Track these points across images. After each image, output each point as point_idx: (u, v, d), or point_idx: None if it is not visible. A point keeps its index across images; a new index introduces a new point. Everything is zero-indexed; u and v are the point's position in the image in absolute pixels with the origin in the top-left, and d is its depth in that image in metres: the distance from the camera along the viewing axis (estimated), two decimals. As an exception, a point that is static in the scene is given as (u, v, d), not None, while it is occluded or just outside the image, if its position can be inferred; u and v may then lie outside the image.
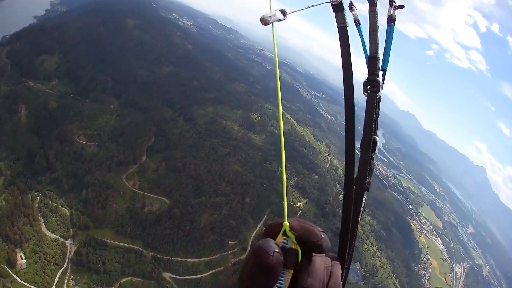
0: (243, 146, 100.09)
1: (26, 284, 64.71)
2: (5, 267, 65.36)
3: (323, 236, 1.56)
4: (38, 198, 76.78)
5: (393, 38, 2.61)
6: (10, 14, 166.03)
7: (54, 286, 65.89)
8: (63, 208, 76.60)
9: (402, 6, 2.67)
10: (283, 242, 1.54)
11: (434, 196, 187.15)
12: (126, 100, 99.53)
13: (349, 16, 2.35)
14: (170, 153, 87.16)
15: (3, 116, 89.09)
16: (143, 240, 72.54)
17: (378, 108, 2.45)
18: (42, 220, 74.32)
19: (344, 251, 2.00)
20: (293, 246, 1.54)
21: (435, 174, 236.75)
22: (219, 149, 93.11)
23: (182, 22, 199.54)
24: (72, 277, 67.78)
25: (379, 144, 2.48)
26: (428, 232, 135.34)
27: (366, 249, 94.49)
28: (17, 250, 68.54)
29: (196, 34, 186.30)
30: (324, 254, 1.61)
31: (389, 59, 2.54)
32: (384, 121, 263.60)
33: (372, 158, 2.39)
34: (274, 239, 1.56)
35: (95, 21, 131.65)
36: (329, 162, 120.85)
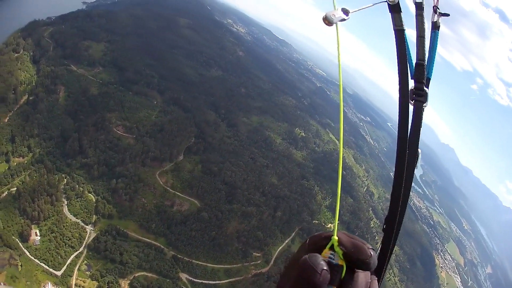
0: (282, 159, 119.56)
1: (35, 259, 79.99)
2: (17, 239, 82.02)
3: (372, 254, 1.88)
4: (65, 180, 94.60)
5: (437, 46, 3.11)
6: None
7: (65, 266, 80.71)
8: (90, 194, 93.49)
9: (447, 14, 3.33)
10: (329, 257, 1.88)
11: (461, 233, 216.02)
12: (170, 97, 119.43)
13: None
14: (208, 156, 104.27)
15: (39, 94, 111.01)
16: (166, 237, 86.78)
17: (423, 118, 2.94)
18: (65, 202, 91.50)
19: (381, 269, 2.59)
20: (339, 262, 1.87)
21: (465, 210, 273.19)
22: (258, 160, 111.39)
23: (236, 28, 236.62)
24: (85, 262, 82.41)
25: (420, 158, 3.07)
26: (450, 268, 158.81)
27: (388, 279, 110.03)
28: (33, 226, 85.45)
29: (249, 42, 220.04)
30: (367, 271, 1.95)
31: (433, 67, 3.04)
32: (424, 151, 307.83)
33: (414, 170, 2.96)
34: (320, 252, 1.90)
35: (146, 15, 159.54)
36: (365, 187, 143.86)
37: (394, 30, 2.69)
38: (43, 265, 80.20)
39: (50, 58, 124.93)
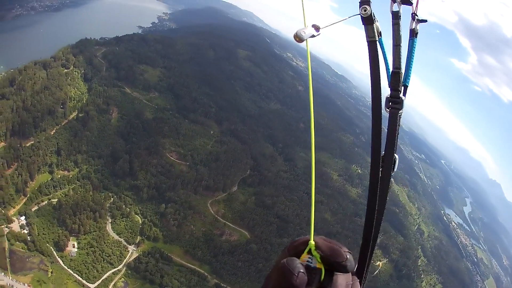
0: (337, 196, 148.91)
1: (68, 269, 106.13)
2: (51, 247, 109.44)
3: (348, 257, 2.44)
4: (111, 199, 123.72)
5: (415, 53, 4.04)
6: (113, 18, 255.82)
7: (100, 280, 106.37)
8: (136, 215, 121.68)
9: (425, 20, 4.17)
10: (307, 261, 2.45)
11: (500, 269, 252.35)
12: (227, 128, 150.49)
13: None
14: (262, 189, 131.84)
15: (90, 112, 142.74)
16: (211, 265, 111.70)
17: (399, 125, 3.80)
18: (110, 220, 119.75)
19: (363, 270, 3.33)
20: (318, 265, 2.44)
21: (506, 246, 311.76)
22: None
23: (295, 62, 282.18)
24: (123, 279, 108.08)
25: (397, 164, 3.91)
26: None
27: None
28: (71, 238, 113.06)
29: (308, 76, 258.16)
30: (346, 273, 2.55)
31: (411, 75, 3.92)
32: (473, 188, 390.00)
33: (391, 176, 3.81)
34: (299, 257, 2.47)
35: (205, 44, 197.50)
36: (417, 226, 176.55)
37: (367, 41, 3.48)
38: (76, 275, 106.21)
39: (103, 78, 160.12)
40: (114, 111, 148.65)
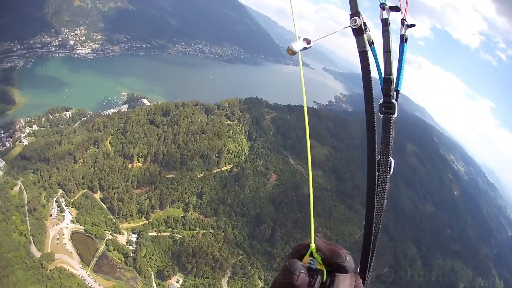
0: None
1: None
2: (152, 272, 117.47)
3: (347, 257, 2.61)
4: (240, 257, 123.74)
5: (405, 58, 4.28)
6: (289, 86, 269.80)
7: None
8: (259, 280, 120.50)
9: (413, 25, 4.45)
10: (309, 263, 2.64)
11: None
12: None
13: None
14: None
15: (246, 171, 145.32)
16: None
17: (394, 129, 3.96)
18: (229, 275, 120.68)
19: (365, 269, 3.47)
20: (319, 267, 2.62)
21: None
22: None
23: (456, 166, 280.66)
24: None
25: (393, 167, 3.93)
26: None
27: None
28: (178, 273, 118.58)
29: (465, 182, 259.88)
30: (348, 274, 2.69)
31: (402, 79, 4.10)
32: None
33: (387, 179, 3.84)
34: (301, 260, 2.67)
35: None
36: None
37: (358, 52, 3.69)
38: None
39: (268, 141, 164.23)
40: (272, 177, 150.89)
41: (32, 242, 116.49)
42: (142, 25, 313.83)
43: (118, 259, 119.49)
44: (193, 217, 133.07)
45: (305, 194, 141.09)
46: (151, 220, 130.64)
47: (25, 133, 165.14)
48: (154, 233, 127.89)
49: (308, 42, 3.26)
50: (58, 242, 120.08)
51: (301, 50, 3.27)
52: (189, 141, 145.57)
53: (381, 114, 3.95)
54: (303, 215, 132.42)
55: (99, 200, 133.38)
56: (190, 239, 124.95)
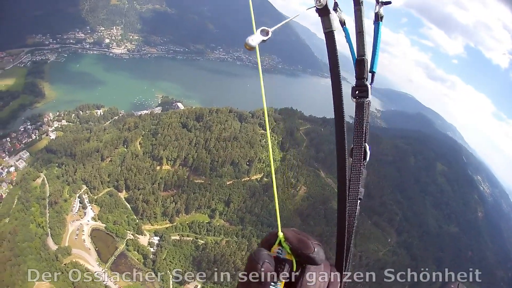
0: None
1: None
2: (171, 275, 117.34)
3: (315, 248, 2.50)
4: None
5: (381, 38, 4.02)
6: (326, 99, 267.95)
7: None
8: None
9: (389, 2, 4.14)
10: (277, 252, 2.56)
11: None
12: (404, 240, 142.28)
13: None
14: None
15: (276, 180, 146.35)
16: None
17: (368, 114, 3.81)
18: None
19: (341, 261, 3.38)
20: (287, 257, 2.54)
21: None
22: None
23: (482, 187, 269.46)
24: None
25: (369, 153, 3.84)
26: None
27: None
28: (196, 280, 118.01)
29: (489, 204, 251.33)
30: (320, 266, 2.63)
31: (377, 60, 3.92)
32: None
33: (364, 166, 3.78)
34: (270, 250, 2.58)
35: (408, 150, 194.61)
36: None
37: (324, 33, 3.52)
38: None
39: (300, 153, 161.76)
40: (302, 189, 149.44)
41: (50, 234, 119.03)
42: (180, 28, 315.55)
43: (137, 259, 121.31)
44: (218, 224, 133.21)
45: (333, 208, 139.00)
46: (175, 223, 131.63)
47: (53, 127, 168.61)
48: (177, 237, 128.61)
49: (267, 33, 3.02)
50: (76, 237, 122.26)
51: (259, 44, 3.00)
52: (221, 147, 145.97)
53: (353, 98, 3.83)
54: (329, 229, 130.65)
55: (123, 199, 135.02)
56: (213, 245, 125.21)
